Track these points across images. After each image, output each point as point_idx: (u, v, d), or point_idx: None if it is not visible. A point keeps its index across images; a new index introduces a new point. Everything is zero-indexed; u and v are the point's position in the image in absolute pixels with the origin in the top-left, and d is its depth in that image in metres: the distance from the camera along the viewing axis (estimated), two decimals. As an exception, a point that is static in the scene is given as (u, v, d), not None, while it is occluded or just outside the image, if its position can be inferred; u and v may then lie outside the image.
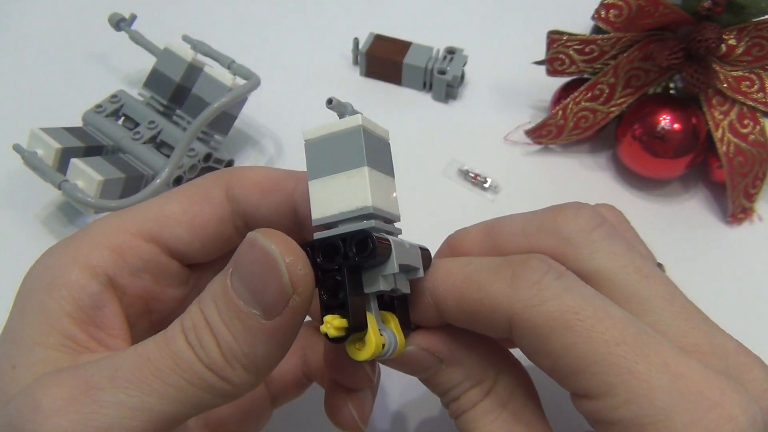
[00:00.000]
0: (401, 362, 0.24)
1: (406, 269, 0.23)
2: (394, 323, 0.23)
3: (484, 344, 0.25)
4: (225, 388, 0.20)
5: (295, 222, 0.25)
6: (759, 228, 0.44)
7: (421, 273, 0.23)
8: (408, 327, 0.24)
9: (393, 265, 0.21)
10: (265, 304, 0.20)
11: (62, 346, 0.22)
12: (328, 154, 0.22)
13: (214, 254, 0.26)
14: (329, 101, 0.22)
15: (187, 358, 0.20)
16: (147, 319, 0.25)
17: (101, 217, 0.25)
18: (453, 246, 0.27)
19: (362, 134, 0.22)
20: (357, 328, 0.21)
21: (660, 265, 0.27)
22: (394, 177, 0.23)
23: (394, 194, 0.23)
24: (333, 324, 0.21)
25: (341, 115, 0.23)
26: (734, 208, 0.43)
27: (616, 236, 0.24)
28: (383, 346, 0.22)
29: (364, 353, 0.22)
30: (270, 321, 0.20)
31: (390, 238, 0.21)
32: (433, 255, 0.25)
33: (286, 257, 0.20)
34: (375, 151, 0.22)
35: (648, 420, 0.19)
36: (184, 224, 0.25)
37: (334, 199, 0.22)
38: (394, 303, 0.24)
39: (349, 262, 0.21)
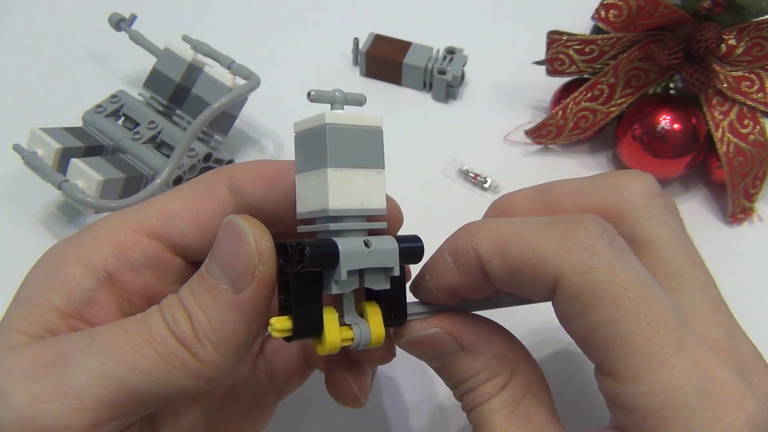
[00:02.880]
0: (424, 345, 0.24)
1: (376, 270, 0.22)
2: (372, 316, 0.23)
3: (503, 337, 0.25)
4: (195, 366, 0.21)
5: None
6: (759, 228, 0.44)
7: (395, 271, 0.23)
8: (401, 317, 0.24)
9: (340, 273, 0.21)
10: (234, 275, 0.21)
11: (41, 338, 0.22)
12: (307, 149, 0.23)
13: None
14: (308, 94, 0.22)
15: (162, 332, 0.21)
16: None
17: (105, 216, 0.25)
18: (501, 207, 0.27)
19: (326, 133, 0.22)
20: (302, 328, 0.22)
21: None
22: (382, 167, 0.23)
23: (377, 186, 0.23)
24: (275, 327, 0.21)
25: (332, 106, 0.22)
26: (734, 208, 0.43)
27: (673, 210, 0.24)
28: (352, 339, 0.22)
29: (321, 349, 0.22)
30: (238, 295, 0.21)
31: (341, 244, 0.21)
32: (448, 242, 0.24)
33: (254, 229, 0.21)
34: (349, 146, 0.22)
35: (670, 414, 0.19)
36: (188, 220, 0.25)
37: (309, 196, 0.22)
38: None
39: (293, 269, 0.21)
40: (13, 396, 0.20)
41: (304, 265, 0.21)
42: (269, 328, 0.21)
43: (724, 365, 0.20)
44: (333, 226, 0.22)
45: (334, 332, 0.22)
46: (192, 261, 0.26)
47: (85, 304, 0.23)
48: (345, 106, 0.23)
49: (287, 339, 0.22)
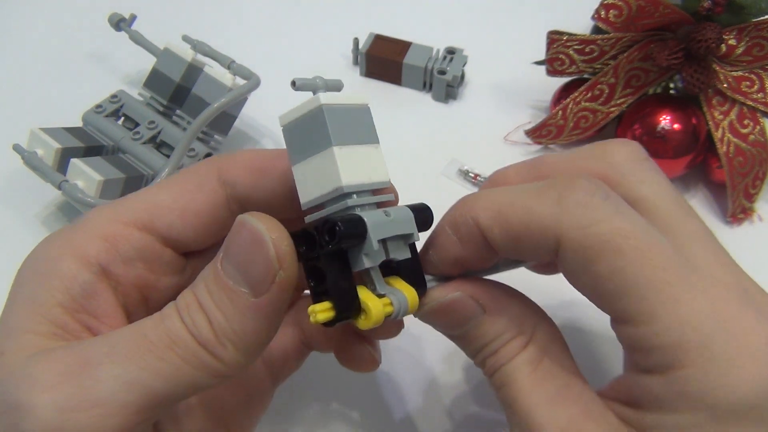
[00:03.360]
0: (446, 311, 0.25)
1: (397, 238, 0.23)
2: (400, 283, 0.23)
3: (520, 298, 0.25)
4: (217, 367, 0.21)
5: (292, 200, 0.25)
6: (759, 228, 0.44)
7: (415, 237, 0.23)
8: (421, 286, 0.24)
9: (371, 244, 0.21)
10: (253, 281, 0.21)
11: (53, 334, 0.22)
12: (301, 137, 0.23)
13: (210, 241, 0.26)
14: (293, 83, 0.22)
15: (182, 335, 0.21)
16: (144, 308, 0.25)
17: (95, 209, 0.25)
18: (496, 181, 0.27)
19: (325, 114, 0.22)
20: (345, 309, 0.22)
21: None
22: (378, 142, 0.23)
23: (379, 160, 0.23)
24: (316, 310, 0.21)
25: (314, 93, 0.23)
26: (734, 208, 0.43)
27: (661, 172, 0.25)
28: (392, 305, 0.22)
29: (366, 323, 0.22)
30: (258, 298, 0.21)
31: (366, 216, 0.21)
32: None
33: (272, 234, 0.21)
34: (346, 124, 0.22)
35: (691, 345, 0.20)
36: (176, 211, 0.25)
37: (314, 181, 0.22)
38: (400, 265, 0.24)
39: (324, 250, 0.21)
40: (40, 407, 0.19)
41: (337, 241, 0.21)
42: (311, 318, 0.21)
43: (734, 295, 0.21)
44: (351, 201, 0.22)
45: (377, 304, 0.22)
46: (182, 252, 0.26)
47: (86, 297, 0.23)
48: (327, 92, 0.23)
49: (329, 324, 0.22)
